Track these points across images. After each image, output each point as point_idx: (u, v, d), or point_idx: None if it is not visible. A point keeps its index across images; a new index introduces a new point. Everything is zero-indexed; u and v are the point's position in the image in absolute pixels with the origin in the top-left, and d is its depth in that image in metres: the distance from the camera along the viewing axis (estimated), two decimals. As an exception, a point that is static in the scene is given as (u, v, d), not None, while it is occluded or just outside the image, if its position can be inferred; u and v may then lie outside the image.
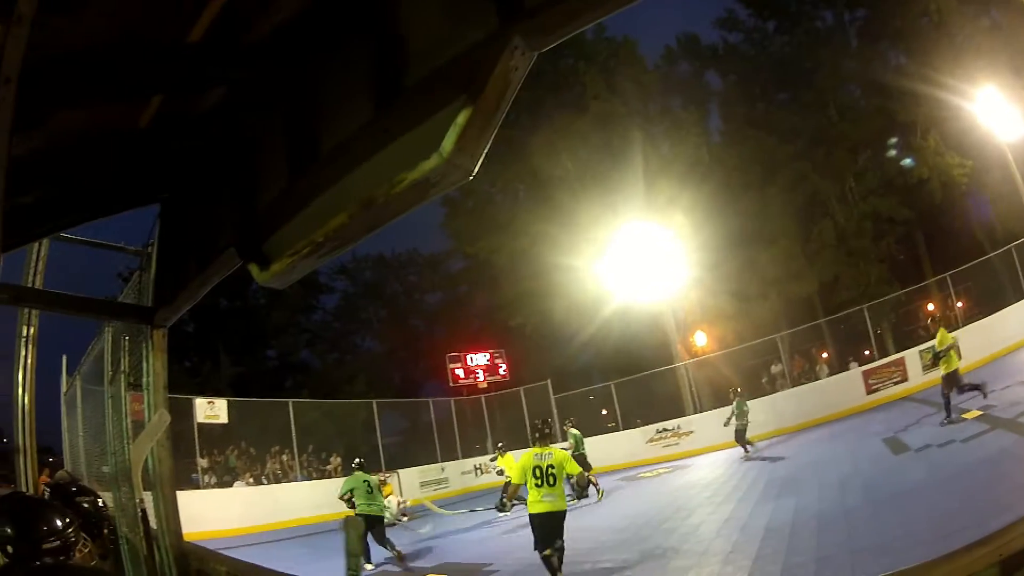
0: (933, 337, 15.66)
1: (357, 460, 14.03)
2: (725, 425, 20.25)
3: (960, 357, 14.98)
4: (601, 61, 36.04)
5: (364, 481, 12.80)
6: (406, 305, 55.83)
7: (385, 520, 16.39)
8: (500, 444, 20.26)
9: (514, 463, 18.53)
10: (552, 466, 8.63)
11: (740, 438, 20.14)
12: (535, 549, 8.59)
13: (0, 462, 27.39)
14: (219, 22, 3.56)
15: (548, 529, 8.54)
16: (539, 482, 8.59)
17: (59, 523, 2.78)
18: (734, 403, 20.40)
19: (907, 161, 34.61)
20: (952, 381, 14.43)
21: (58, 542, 2.73)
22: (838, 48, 37.39)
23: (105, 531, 3.49)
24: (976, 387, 14.23)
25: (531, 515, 8.74)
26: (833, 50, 37.15)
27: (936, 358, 15.08)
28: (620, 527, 12.46)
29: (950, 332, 15.34)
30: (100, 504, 3.57)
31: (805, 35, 38.74)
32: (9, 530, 2.69)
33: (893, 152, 34.99)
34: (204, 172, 5.24)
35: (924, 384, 21.29)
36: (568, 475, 9.44)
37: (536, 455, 8.75)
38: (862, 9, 37.92)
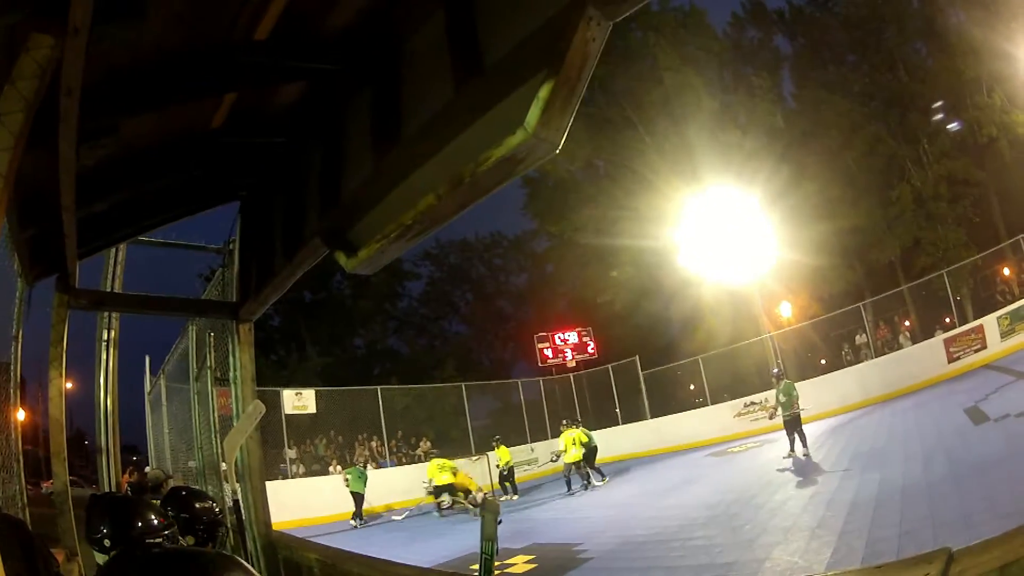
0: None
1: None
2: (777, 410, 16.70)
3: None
4: (671, 32, 35.38)
5: None
6: (492, 288, 55.78)
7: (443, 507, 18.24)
8: (496, 437, 21.73)
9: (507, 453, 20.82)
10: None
11: (794, 428, 16.11)
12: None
13: (83, 462, 28.46)
14: (286, 17, 3.60)
15: None
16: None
17: (155, 520, 2.86)
18: (781, 385, 16.87)
19: (953, 125, 33.88)
20: (574, 468, 18.35)
21: (159, 538, 2.80)
22: (901, 5, 36.17)
23: (219, 536, 3.58)
24: (600, 475, 18.17)
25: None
26: (896, 7, 35.96)
27: (558, 456, 18.56)
28: (711, 503, 12.45)
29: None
30: (217, 510, 3.65)
31: (867, -7, 37.56)
32: (106, 529, 2.79)
33: (940, 115, 34.04)
34: (283, 166, 5.29)
35: (1003, 351, 20.95)
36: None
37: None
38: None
